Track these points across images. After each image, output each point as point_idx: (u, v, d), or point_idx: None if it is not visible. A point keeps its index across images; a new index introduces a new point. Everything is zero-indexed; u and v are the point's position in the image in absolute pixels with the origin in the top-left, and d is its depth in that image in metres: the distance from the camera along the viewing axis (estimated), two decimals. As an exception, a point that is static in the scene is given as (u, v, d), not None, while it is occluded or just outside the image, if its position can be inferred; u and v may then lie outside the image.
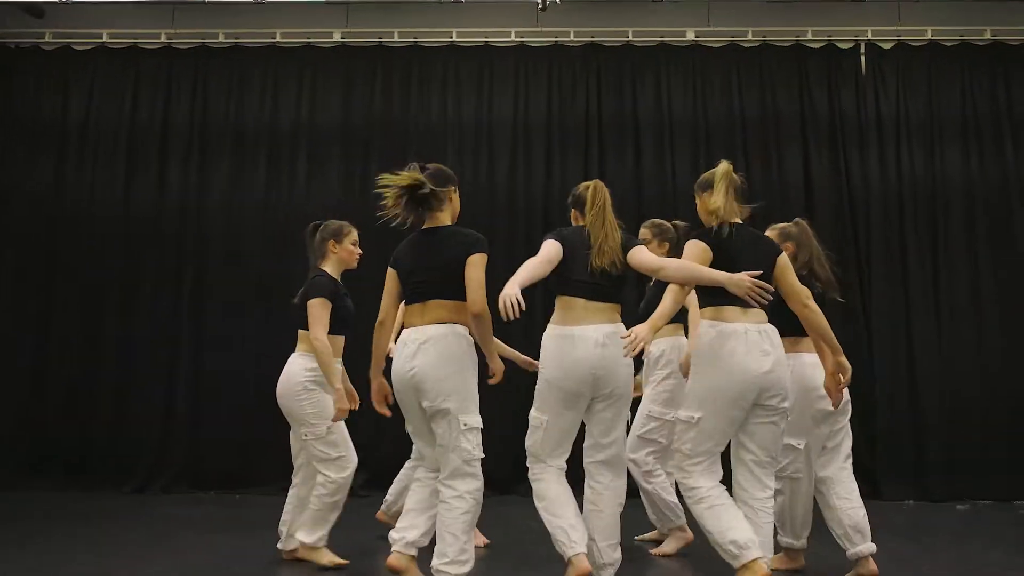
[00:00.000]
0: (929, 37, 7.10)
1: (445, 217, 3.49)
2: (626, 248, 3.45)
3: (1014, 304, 6.66)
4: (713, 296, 3.37)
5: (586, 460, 3.46)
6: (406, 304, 3.49)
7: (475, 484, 3.35)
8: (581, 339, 3.31)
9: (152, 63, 7.14)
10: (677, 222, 4.57)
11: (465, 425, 3.31)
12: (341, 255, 4.25)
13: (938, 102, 7.00)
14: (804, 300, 3.48)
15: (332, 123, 7.05)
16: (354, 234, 4.31)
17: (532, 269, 3.31)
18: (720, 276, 3.22)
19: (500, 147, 7.05)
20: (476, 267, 3.33)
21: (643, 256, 3.46)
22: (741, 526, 3.18)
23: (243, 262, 6.87)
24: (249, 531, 5.04)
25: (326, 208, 6.81)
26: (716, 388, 3.29)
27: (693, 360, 3.48)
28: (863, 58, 7.13)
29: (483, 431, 3.39)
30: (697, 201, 3.65)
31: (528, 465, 3.47)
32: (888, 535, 4.95)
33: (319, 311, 4.03)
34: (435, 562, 3.23)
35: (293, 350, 4.03)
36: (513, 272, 3.22)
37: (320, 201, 6.88)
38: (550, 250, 3.39)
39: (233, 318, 6.79)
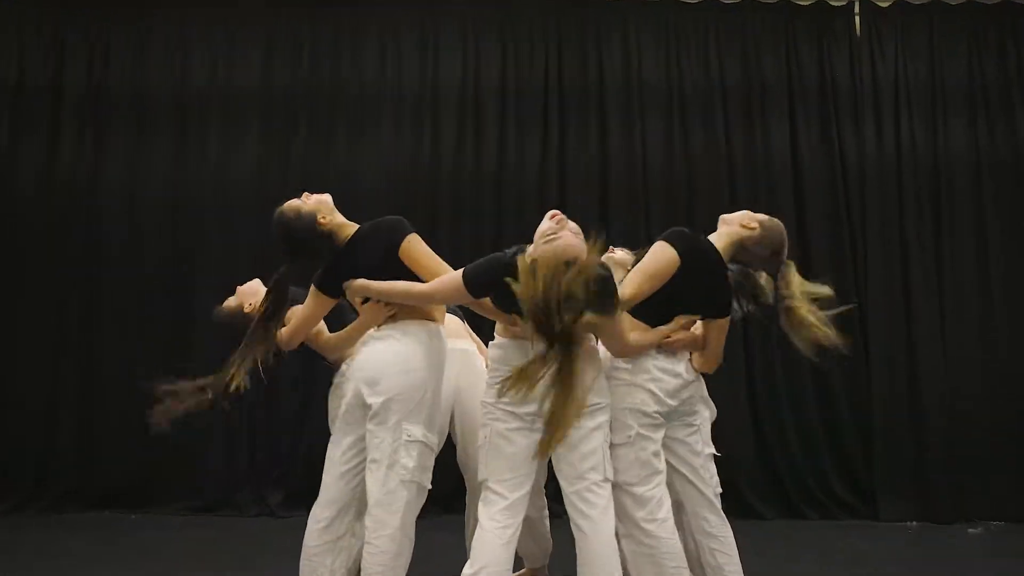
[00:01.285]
0: (932, -6, 6.31)
1: (345, 229, 2.99)
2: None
3: (1025, 293, 5.89)
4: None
5: (564, 495, 2.75)
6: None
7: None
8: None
9: (39, 16, 6.14)
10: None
11: (409, 436, 2.69)
12: None
13: (941, 67, 6.20)
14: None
15: (251, 87, 6.11)
16: None
17: None
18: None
19: (445, 117, 6.16)
20: (413, 256, 2.84)
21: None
22: None
23: (145, 245, 5.95)
24: (133, 558, 4.33)
25: (243, 184, 6.04)
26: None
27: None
28: (858, 17, 6.30)
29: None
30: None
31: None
32: (905, 568, 4.20)
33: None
34: None
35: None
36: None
37: (236, 175, 6.00)
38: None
39: (132, 310, 5.87)
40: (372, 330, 3.00)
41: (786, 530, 5.27)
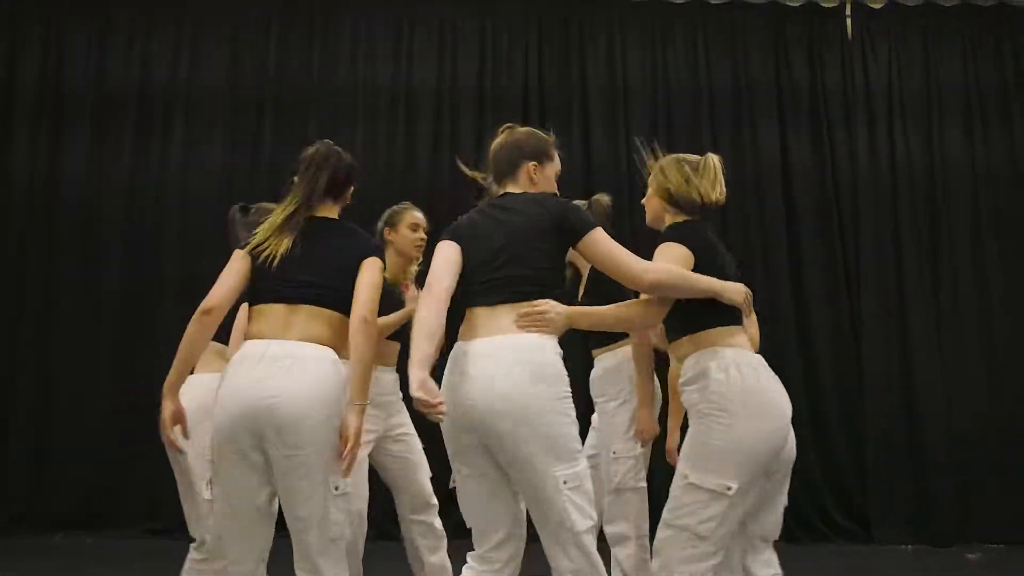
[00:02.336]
0: (926, -5, 6.13)
1: (334, 212, 2.61)
2: (568, 225, 2.42)
3: (1025, 308, 5.70)
4: (705, 316, 2.50)
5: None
6: (252, 304, 2.47)
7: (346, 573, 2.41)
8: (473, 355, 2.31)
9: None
10: (601, 196, 3.45)
11: (336, 489, 2.36)
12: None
13: (936, 71, 6.05)
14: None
15: (216, 85, 5.87)
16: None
17: (430, 319, 2.29)
18: (715, 284, 2.46)
19: (422, 118, 5.93)
20: (370, 272, 2.44)
21: (617, 254, 2.41)
22: None
23: (102, 254, 5.66)
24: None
25: (206, 188, 5.76)
26: (759, 443, 2.40)
27: (720, 404, 2.40)
28: (849, 19, 6.12)
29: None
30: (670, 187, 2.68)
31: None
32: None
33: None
34: None
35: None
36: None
37: (200, 179, 5.72)
38: (446, 262, 2.40)
39: (88, 323, 5.58)
40: (260, 344, 2.38)
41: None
